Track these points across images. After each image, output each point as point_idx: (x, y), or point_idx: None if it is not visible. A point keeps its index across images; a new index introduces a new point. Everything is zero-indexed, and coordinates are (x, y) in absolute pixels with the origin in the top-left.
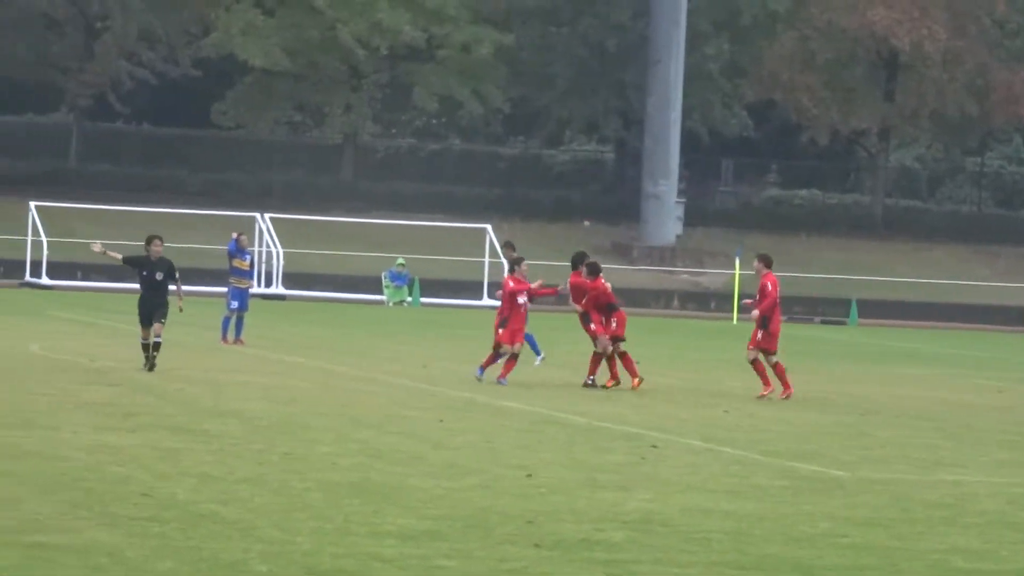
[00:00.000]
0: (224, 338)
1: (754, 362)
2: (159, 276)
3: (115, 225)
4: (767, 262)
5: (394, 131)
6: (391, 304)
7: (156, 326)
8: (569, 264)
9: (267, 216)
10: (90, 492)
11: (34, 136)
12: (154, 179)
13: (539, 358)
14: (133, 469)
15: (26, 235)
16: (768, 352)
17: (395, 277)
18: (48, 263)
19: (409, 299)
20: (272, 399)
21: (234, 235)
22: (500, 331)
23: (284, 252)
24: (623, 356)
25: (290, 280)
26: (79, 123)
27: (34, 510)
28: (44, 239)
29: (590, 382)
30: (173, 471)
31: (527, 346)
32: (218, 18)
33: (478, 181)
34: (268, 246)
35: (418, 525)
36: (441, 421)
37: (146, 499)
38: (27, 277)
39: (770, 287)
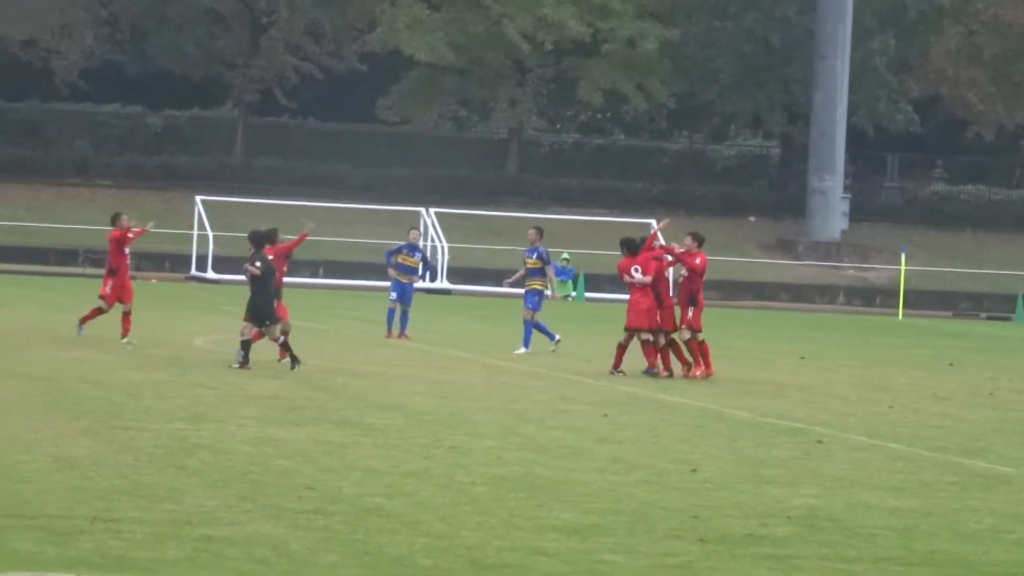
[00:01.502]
0: (389, 332)
1: (687, 342)
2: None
3: (280, 219)
4: (699, 240)
5: (559, 126)
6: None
7: (272, 329)
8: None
9: (432, 211)
10: (256, 485)
11: (200, 131)
12: (319, 174)
13: (554, 341)
14: (298, 463)
15: (192, 229)
16: (695, 330)
17: (560, 271)
18: (213, 257)
19: (573, 294)
20: (437, 394)
21: (412, 233)
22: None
23: (449, 247)
24: (653, 346)
25: (455, 274)
26: (244, 118)
27: (201, 503)
28: (210, 233)
29: (656, 372)
30: (338, 465)
31: (541, 333)
32: (383, 13)
33: (642, 176)
34: (433, 240)
35: (582, 519)
36: (605, 415)
37: (311, 492)
38: (192, 271)
39: (699, 262)
